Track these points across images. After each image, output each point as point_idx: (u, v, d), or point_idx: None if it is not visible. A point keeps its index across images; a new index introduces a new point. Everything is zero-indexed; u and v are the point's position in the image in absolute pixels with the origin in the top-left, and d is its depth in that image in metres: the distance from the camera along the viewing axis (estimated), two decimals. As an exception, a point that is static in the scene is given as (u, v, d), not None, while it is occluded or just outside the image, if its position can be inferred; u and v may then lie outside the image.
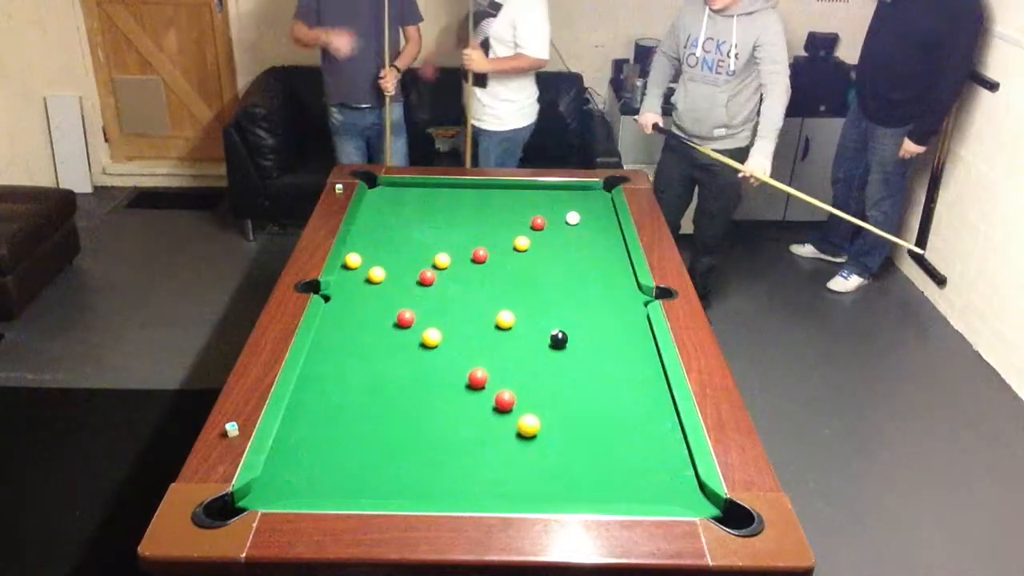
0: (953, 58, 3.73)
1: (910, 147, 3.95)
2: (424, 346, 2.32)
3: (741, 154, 3.59)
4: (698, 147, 3.64)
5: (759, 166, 3.48)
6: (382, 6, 3.70)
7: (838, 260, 4.63)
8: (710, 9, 3.46)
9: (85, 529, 2.75)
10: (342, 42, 3.73)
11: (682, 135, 3.72)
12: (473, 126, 3.97)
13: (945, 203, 4.27)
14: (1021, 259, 3.68)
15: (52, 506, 2.85)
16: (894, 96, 3.96)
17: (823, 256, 4.70)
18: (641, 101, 3.90)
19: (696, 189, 3.92)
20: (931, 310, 4.29)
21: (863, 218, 4.37)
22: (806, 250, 4.75)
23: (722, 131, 3.62)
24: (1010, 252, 3.75)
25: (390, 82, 3.83)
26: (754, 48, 3.44)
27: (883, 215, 4.22)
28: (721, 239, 3.98)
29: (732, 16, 3.43)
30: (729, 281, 4.49)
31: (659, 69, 3.82)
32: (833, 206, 4.52)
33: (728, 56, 3.46)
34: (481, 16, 3.75)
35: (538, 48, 3.70)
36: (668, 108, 3.85)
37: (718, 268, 4.16)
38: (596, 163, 4.23)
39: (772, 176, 3.50)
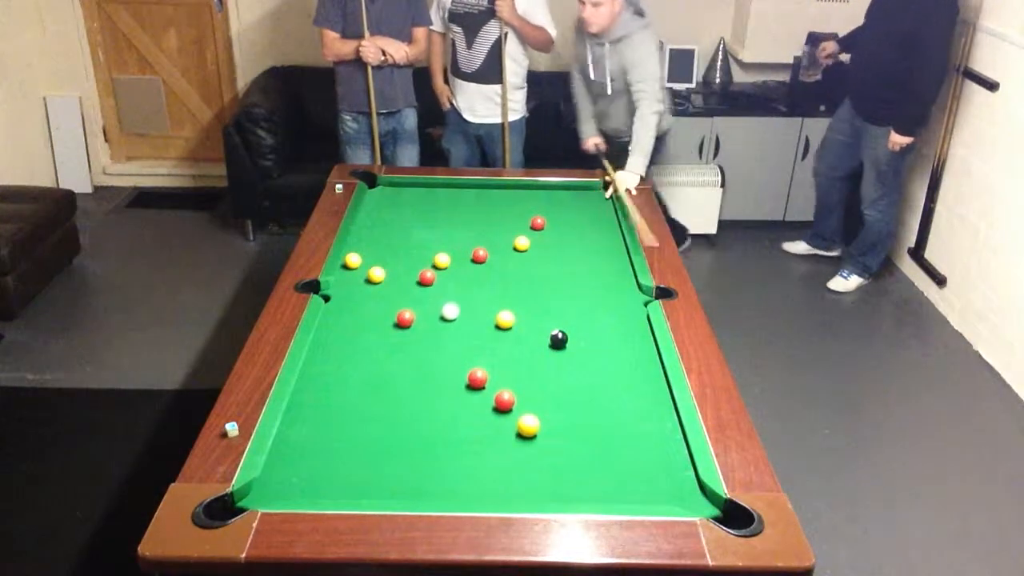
0: (930, 50, 3.78)
1: (896, 138, 3.98)
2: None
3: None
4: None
5: (623, 180, 3.43)
6: (405, 8, 3.76)
7: (832, 254, 4.64)
8: (587, 35, 3.66)
9: (85, 529, 2.75)
10: (380, 48, 3.72)
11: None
12: (489, 124, 4.02)
13: (945, 203, 4.26)
14: (1021, 259, 3.67)
15: (52, 506, 2.85)
16: (882, 94, 4.00)
17: (817, 251, 4.69)
18: (578, 126, 4.02)
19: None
20: (931, 310, 4.29)
21: (860, 217, 4.38)
22: (799, 247, 4.75)
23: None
24: (1010, 252, 3.74)
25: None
26: (624, 72, 3.64)
27: (880, 214, 4.23)
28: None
29: (604, 44, 3.63)
30: (729, 281, 4.49)
31: (579, 93, 3.98)
32: (816, 199, 4.57)
33: (608, 80, 3.69)
34: (487, 15, 3.81)
35: (553, 26, 3.91)
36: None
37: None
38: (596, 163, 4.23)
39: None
